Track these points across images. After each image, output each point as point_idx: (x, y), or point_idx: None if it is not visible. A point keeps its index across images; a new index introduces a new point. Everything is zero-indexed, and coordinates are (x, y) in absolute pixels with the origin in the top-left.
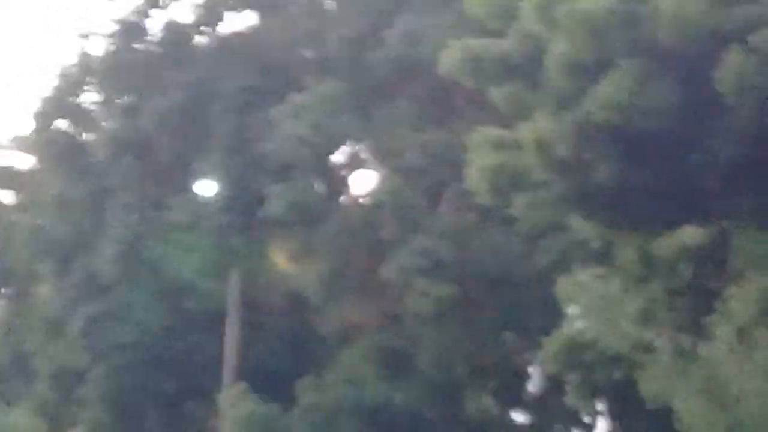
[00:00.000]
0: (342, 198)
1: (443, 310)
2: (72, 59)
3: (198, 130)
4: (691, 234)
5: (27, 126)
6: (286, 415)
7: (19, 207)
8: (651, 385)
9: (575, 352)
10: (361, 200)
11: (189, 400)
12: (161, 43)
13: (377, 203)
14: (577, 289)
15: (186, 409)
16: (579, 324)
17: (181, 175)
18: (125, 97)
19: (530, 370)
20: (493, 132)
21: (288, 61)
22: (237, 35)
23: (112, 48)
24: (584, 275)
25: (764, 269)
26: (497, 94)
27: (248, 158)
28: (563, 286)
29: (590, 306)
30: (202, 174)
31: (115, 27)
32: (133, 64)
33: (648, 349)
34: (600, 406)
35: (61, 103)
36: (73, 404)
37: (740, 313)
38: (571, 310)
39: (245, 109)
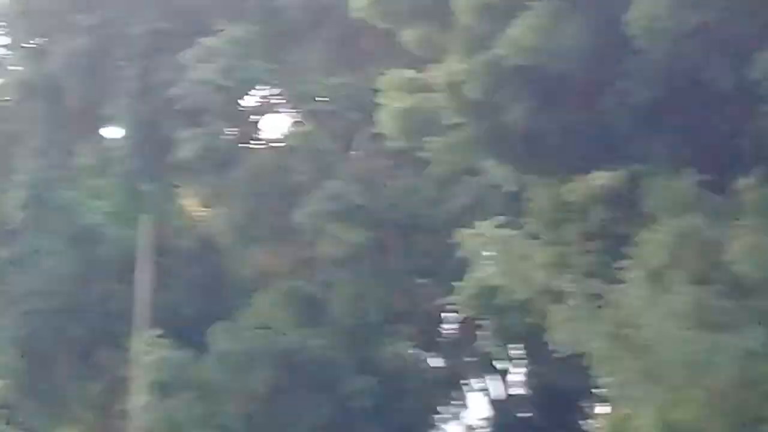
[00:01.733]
0: (253, 143)
1: (356, 255)
2: None
3: (107, 74)
4: (603, 177)
5: None
6: (199, 361)
7: None
8: (560, 331)
9: (488, 296)
10: (272, 145)
11: (101, 347)
12: None
13: (289, 148)
14: (481, 240)
15: (98, 356)
16: (489, 272)
17: (90, 119)
18: (32, 40)
19: (444, 315)
20: (405, 74)
21: (197, 4)
22: None
23: None
24: (489, 226)
25: (676, 213)
26: (408, 36)
27: (158, 102)
28: (467, 238)
29: (498, 257)
30: (111, 118)
31: None
32: (41, 8)
33: (558, 294)
34: (515, 351)
35: None
36: None
37: (652, 257)
38: (482, 257)
39: (154, 53)
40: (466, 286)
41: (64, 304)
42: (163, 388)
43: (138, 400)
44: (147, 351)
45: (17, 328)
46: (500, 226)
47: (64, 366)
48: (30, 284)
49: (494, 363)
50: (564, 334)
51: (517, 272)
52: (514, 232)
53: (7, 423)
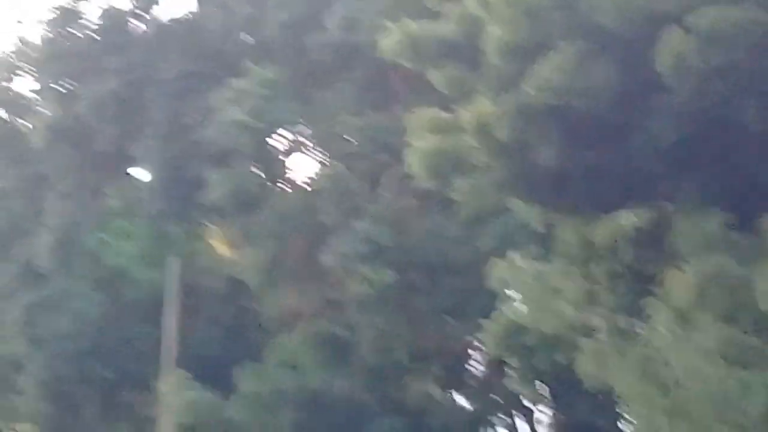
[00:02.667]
0: (281, 183)
1: (383, 296)
2: (8, 46)
3: (135, 117)
4: (630, 217)
5: None
6: (225, 403)
7: None
8: (589, 367)
9: (515, 335)
10: (300, 185)
11: (128, 389)
12: (98, 29)
13: (317, 188)
14: (512, 272)
15: (125, 398)
16: (518, 308)
17: (119, 161)
18: (62, 83)
19: (471, 354)
20: (433, 115)
21: (226, 46)
22: (175, 21)
23: (49, 34)
24: (520, 259)
25: (703, 252)
26: (437, 76)
27: (186, 144)
28: (497, 270)
29: (527, 289)
30: (140, 160)
31: (52, 13)
32: (70, 51)
33: (586, 331)
34: (542, 389)
35: None
36: (12, 394)
37: (679, 296)
38: (509, 293)
39: (183, 95)
40: (493, 325)
41: (92, 346)
42: (190, 430)
43: None
44: (174, 393)
45: (45, 371)
46: (531, 258)
47: (92, 408)
48: (58, 327)
49: (521, 402)
50: (592, 370)
51: (546, 308)
52: (543, 268)
53: None
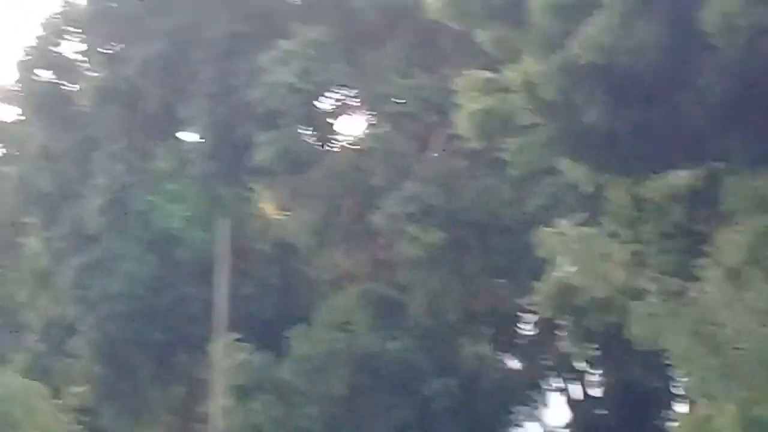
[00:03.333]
0: (330, 145)
1: (433, 256)
2: (55, 8)
3: (183, 78)
4: (681, 176)
5: (10, 77)
6: (277, 364)
7: (3, 159)
8: (640, 329)
9: (567, 296)
10: (349, 146)
11: (180, 351)
12: None
13: (366, 149)
14: (561, 237)
15: (177, 360)
16: (568, 270)
17: (167, 123)
18: (109, 45)
19: (522, 315)
20: (481, 75)
21: (273, 7)
22: None
23: None
24: (569, 223)
25: (753, 211)
26: (484, 36)
27: (234, 105)
28: (546, 235)
29: (577, 253)
30: (188, 122)
31: None
32: (117, 12)
33: (637, 293)
34: (593, 351)
35: (44, 53)
36: (65, 356)
37: (730, 254)
38: (559, 258)
39: (230, 56)
40: (544, 286)
41: (144, 307)
42: (242, 392)
43: (218, 403)
44: (226, 354)
45: (97, 333)
46: (579, 224)
47: (144, 370)
48: (109, 288)
49: (572, 363)
50: (643, 332)
51: (596, 271)
52: (593, 231)
53: (89, 428)
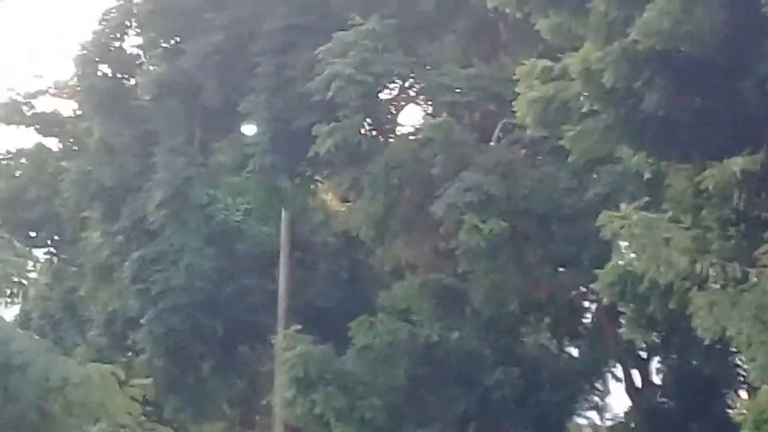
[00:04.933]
0: (390, 135)
1: (494, 246)
2: (113, 3)
3: (241, 71)
4: (742, 162)
5: (68, 71)
6: (339, 355)
7: (64, 154)
8: (703, 317)
9: (629, 283)
10: (409, 137)
11: (242, 343)
12: None
13: (425, 140)
14: (622, 223)
15: (239, 352)
16: (630, 257)
17: (227, 116)
18: (167, 40)
19: (584, 303)
20: (540, 63)
21: None
22: None
23: None
24: (630, 209)
25: None
26: (543, 24)
27: (293, 98)
28: (608, 220)
29: (638, 240)
30: (248, 115)
31: None
32: (174, 6)
33: (699, 280)
34: (655, 338)
35: (102, 47)
36: (126, 350)
37: None
38: (621, 244)
39: (288, 49)
40: (605, 274)
41: (206, 300)
42: (304, 383)
43: (280, 395)
44: (289, 346)
45: (158, 326)
46: (641, 210)
47: (206, 362)
48: (170, 281)
49: (633, 351)
50: (706, 319)
51: (659, 257)
52: (654, 216)
53: (153, 420)
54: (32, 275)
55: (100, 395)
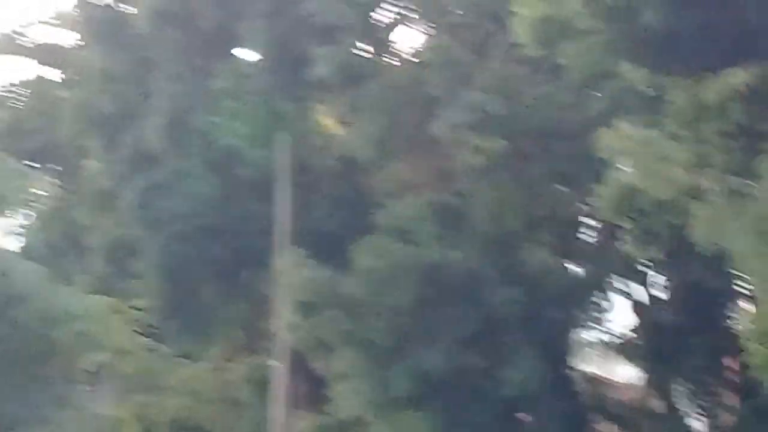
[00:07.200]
0: (388, 57)
1: (494, 164)
2: None
3: None
4: (741, 75)
5: (67, 2)
6: (342, 278)
7: (64, 83)
8: (703, 229)
9: (628, 198)
10: (407, 58)
11: (244, 268)
12: None
13: (424, 60)
14: (621, 139)
15: (242, 277)
16: (629, 173)
17: (225, 41)
18: None
19: (585, 220)
20: None
21: None
22: None
23: None
24: (629, 125)
25: None
26: None
27: (291, 21)
28: (607, 137)
29: (638, 155)
30: (245, 40)
31: None
32: None
33: (699, 194)
34: (656, 253)
35: None
36: (129, 277)
37: None
38: (620, 160)
39: None
40: (605, 189)
41: (207, 225)
42: (307, 307)
43: (283, 319)
44: (291, 270)
45: (161, 252)
46: (639, 126)
47: (209, 287)
48: (172, 208)
49: (636, 266)
50: (706, 232)
51: (658, 172)
52: (654, 132)
53: (156, 343)
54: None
55: (103, 326)
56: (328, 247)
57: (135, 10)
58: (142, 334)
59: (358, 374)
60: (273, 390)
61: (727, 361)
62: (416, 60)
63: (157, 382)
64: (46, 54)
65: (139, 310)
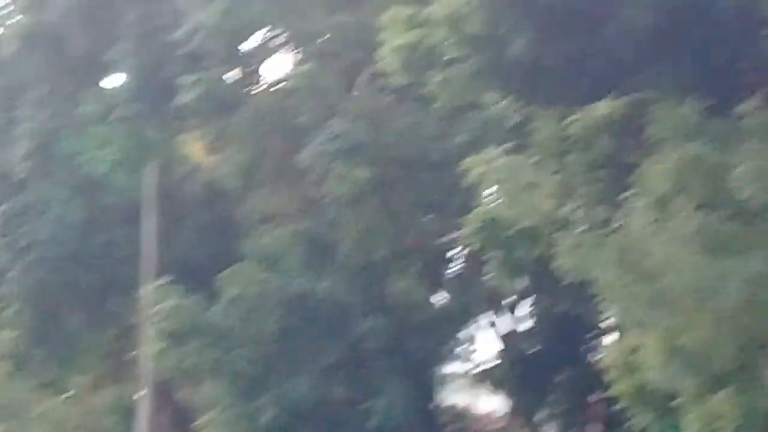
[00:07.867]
0: (255, 85)
1: (361, 193)
2: None
3: (107, 21)
4: (607, 106)
5: None
6: (209, 307)
7: None
8: (567, 259)
9: (494, 229)
10: (275, 86)
11: (110, 295)
12: None
13: (292, 88)
14: (488, 167)
15: (108, 304)
16: (495, 202)
17: (93, 67)
18: None
19: (451, 250)
20: (405, 11)
21: None
22: None
23: None
24: (495, 153)
25: (680, 139)
26: None
27: (160, 48)
28: (473, 165)
29: (504, 184)
30: (113, 65)
31: None
32: None
33: (564, 223)
34: (521, 284)
35: None
36: None
37: (656, 184)
38: (486, 189)
39: None
40: (471, 220)
41: (74, 252)
42: (174, 336)
43: (149, 347)
44: (157, 299)
45: (25, 278)
46: (505, 154)
47: (74, 314)
48: (37, 234)
49: (501, 297)
50: (571, 262)
51: (523, 201)
52: (519, 160)
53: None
54: None
55: None
56: (195, 275)
57: (1, 33)
58: (5, 363)
59: (224, 404)
60: (138, 420)
61: (592, 390)
62: (284, 88)
63: (21, 412)
64: None
65: (2, 338)
